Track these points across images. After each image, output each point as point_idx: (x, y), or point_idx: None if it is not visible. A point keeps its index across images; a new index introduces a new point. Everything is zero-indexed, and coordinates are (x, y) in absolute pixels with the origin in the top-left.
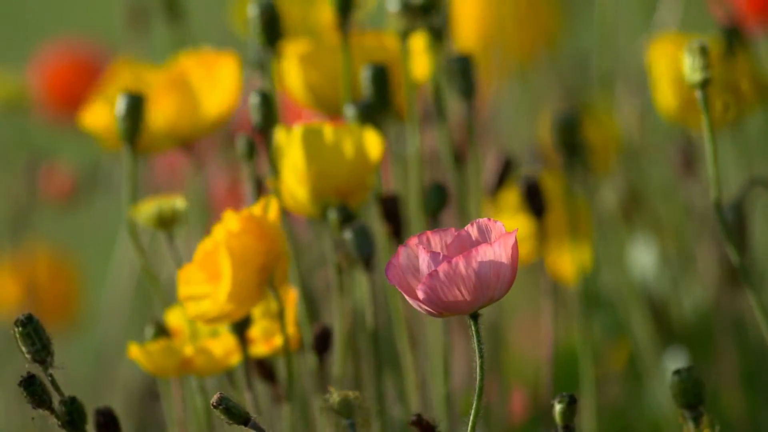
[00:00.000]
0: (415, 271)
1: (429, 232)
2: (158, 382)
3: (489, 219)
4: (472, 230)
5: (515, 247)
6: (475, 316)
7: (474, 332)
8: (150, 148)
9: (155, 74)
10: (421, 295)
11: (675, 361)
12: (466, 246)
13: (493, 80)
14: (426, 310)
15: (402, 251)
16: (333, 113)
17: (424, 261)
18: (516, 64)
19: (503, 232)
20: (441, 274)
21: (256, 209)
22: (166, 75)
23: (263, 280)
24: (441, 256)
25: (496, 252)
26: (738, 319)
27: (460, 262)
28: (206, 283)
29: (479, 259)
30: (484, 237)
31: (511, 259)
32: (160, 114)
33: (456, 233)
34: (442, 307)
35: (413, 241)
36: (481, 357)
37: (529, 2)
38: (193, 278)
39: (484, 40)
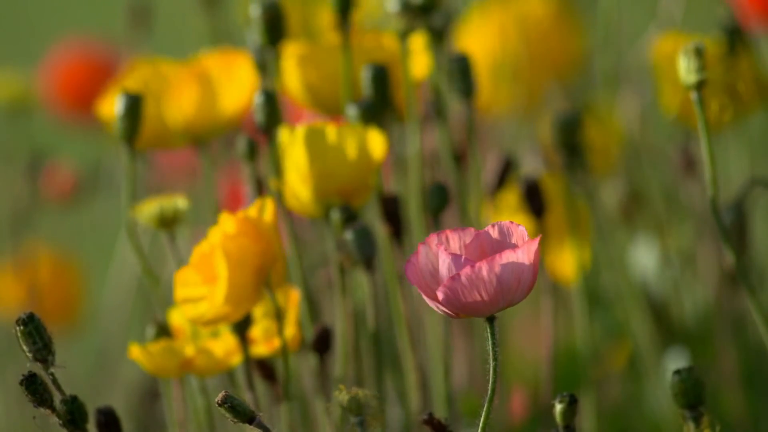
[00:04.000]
0: (434, 271)
1: (448, 231)
2: (159, 382)
3: (511, 222)
4: (492, 231)
5: (537, 252)
6: (491, 319)
7: (489, 335)
8: (163, 145)
9: (174, 69)
10: (441, 296)
11: (675, 361)
12: (484, 247)
13: (500, 108)
14: (443, 310)
15: (422, 250)
16: (331, 113)
17: (444, 263)
18: (525, 97)
19: (526, 236)
20: (463, 278)
21: (252, 211)
22: (189, 70)
23: (260, 282)
24: (463, 259)
25: (519, 257)
26: (738, 320)
27: (483, 267)
28: (203, 286)
29: (502, 263)
30: (504, 239)
31: (533, 264)
32: (178, 109)
33: (475, 233)
34: (460, 309)
35: (433, 240)
36: (495, 360)
37: (542, 36)
38: (190, 280)
39: (493, 72)
